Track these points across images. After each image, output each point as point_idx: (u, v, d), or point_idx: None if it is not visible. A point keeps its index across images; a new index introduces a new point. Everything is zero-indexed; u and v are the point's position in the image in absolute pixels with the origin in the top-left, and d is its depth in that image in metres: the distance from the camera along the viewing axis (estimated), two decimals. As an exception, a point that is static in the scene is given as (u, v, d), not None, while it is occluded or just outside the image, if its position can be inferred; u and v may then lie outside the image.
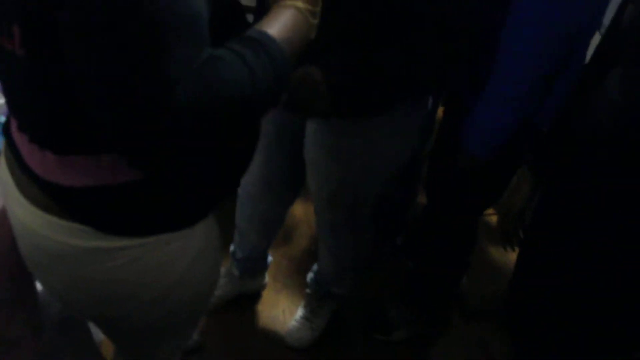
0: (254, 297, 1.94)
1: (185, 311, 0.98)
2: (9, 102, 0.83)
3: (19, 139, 0.83)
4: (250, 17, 1.09)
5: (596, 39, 1.34)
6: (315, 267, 1.82)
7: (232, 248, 1.84)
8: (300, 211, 2.29)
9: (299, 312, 1.84)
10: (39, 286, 1.18)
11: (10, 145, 0.87)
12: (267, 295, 1.96)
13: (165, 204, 0.84)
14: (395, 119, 1.27)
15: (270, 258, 1.92)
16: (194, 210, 0.89)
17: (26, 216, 0.85)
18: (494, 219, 2.13)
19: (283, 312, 1.91)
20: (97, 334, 1.42)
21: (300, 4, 0.78)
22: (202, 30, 0.65)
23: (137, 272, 0.85)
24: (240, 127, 0.70)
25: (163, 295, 0.90)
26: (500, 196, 1.47)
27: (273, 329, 1.85)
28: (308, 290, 1.86)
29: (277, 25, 0.74)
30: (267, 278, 1.97)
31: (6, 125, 0.90)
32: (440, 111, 1.88)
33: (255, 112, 0.72)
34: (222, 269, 1.87)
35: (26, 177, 0.84)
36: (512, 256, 1.87)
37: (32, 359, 1.18)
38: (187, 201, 0.86)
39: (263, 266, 1.89)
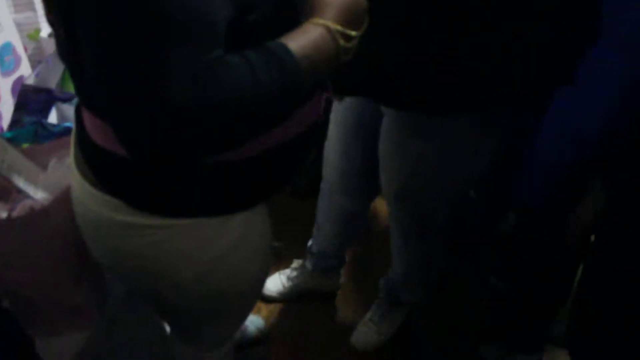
0: (327, 295, 1.93)
1: (220, 300, 0.98)
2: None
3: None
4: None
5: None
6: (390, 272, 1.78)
7: (309, 242, 1.85)
8: (385, 215, 2.24)
9: (368, 316, 1.80)
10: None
11: (77, 120, 0.94)
12: (340, 294, 1.95)
13: (198, 186, 0.84)
14: (473, 122, 1.19)
15: (345, 258, 1.90)
16: (232, 199, 0.88)
17: (77, 187, 0.93)
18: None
19: (354, 312, 1.88)
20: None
21: (331, 25, 0.75)
22: (211, 32, 0.66)
23: (167, 252, 0.87)
24: (241, 132, 0.71)
25: (193, 279, 0.91)
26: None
27: (341, 328, 1.83)
28: (380, 295, 1.81)
29: (301, 41, 0.73)
30: (342, 279, 1.95)
31: (78, 105, 0.97)
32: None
33: (254, 120, 0.71)
34: (297, 262, 1.90)
35: (79, 150, 0.91)
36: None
37: (95, 325, 1.28)
38: (223, 188, 0.86)
39: (336, 265, 1.88)
